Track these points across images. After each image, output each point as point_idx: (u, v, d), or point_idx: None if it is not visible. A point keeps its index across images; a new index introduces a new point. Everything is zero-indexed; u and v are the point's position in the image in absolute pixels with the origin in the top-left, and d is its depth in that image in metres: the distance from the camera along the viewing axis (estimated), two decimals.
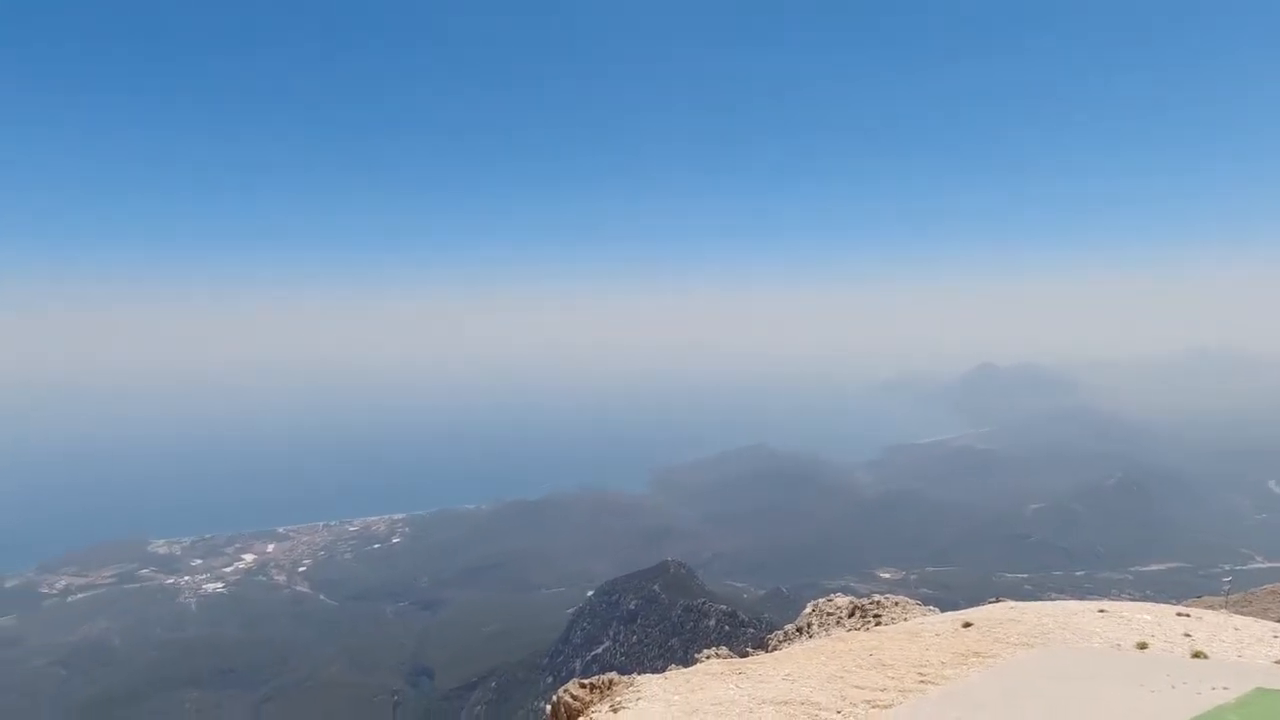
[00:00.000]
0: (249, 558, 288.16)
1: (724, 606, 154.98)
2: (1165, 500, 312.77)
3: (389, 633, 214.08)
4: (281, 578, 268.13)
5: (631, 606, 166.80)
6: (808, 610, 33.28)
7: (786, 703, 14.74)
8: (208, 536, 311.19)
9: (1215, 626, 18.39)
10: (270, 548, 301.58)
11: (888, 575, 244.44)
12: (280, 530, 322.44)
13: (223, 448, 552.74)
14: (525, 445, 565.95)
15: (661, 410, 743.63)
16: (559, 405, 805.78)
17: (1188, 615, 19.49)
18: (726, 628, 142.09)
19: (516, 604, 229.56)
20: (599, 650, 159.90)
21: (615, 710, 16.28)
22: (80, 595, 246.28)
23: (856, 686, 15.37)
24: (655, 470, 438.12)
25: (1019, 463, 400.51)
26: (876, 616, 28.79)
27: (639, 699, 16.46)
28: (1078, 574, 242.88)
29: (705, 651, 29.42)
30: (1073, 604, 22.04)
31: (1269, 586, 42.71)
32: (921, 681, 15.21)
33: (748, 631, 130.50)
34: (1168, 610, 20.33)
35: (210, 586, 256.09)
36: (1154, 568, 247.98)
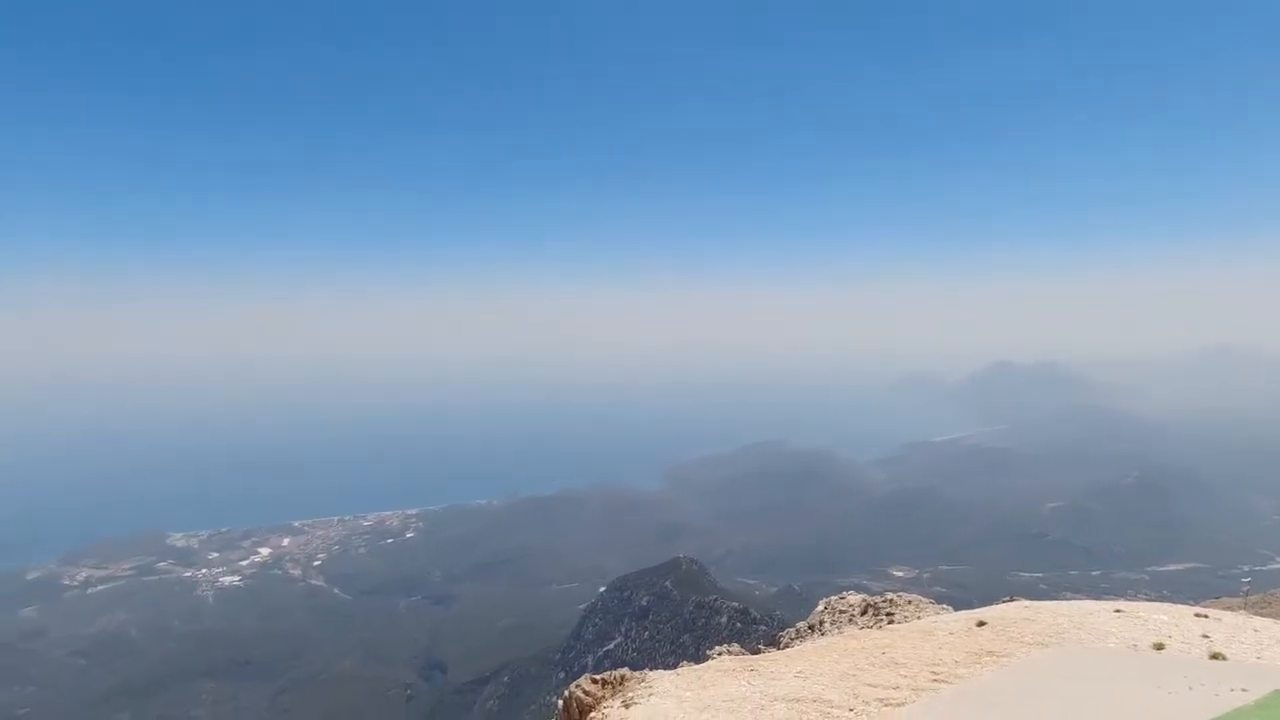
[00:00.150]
0: (265, 551, 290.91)
1: (736, 603, 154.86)
2: (1183, 500, 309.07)
3: (402, 627, 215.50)
4: (296, 571, 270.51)
5: (643, 603, 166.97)
6: (820, 608, 33.18)
7: (798, 700, 14.72)
8: (224, 530, 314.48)
9: (1234, 628, 18.16)
10: (285, 542, 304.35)
11: (901, 573, 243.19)
12: (295, 524, 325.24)
13: (239, 443, 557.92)
14: (538, 441, 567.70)
15: (675, 407, 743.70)
16: (572, 402, 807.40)
17: (1206, 616, 19.25)
18: (738, 625, 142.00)
19: (529, 599, 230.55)
20: (611, 646, 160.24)
21: (627, 706, 16.31)
22: (100, 587, 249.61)
23: (869, 684, 15.32)
24: (668, 467, 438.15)
25: (1034, 461, 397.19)
26: (889, 615, 28.67)
27: (651, 695, 16.49)
28: (1093, 574, 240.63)
29: (717, 648, 29.44)
30: (1088, 604, 21.83)
31: None
32: (935, 680, 15.14)
33: (759, 629, 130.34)
34: (1185, 611, 20.09)
35: (227, 580, 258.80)
36: (1171, 568, 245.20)
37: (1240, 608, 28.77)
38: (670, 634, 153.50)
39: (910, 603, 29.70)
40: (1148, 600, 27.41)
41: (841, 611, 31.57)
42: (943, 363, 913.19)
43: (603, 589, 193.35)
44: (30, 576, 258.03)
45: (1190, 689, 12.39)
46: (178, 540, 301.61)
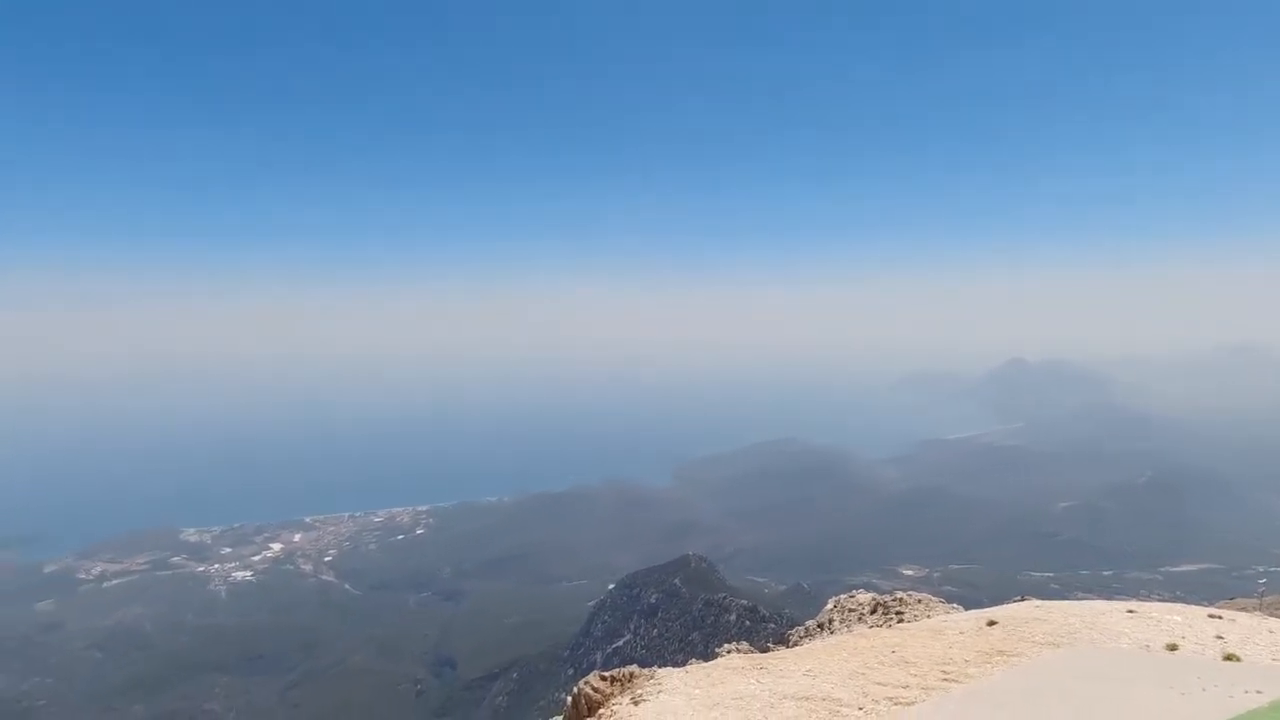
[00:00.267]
0: (277, 547, 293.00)
1: (745, 601, 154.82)
2: (1197, 499, 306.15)
3: (412, 622, 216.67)
4: (308, 567, 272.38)
5: (652, 600, 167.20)
6: (829, 606, 33.09)
7: (808, 698, 14.69)
8: (237, 526, 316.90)
9: (1249, 629, 17.96)
10: (297, 537, 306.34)
11: (911, 572, 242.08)
12: (307, 520, 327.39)
13: (251, 440, 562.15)
14: (548, 439, 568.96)
15: (685, 405, 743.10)
16: (582, 400, 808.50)
17: (1220, 617, 19.05)
18: (747, 623, 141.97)
19: (538, 596, 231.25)
20: (620, 643, 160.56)
21: (636, 703, 16.32)
22: (115, 581, 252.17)
23: (878, 683, 15.26)
24: (678, 464, 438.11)
25: (1048, 460, 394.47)
26: (899, 614, 28.55)
27: (660, 692, 16.49)
28: (1106, 574, 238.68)
29: (726, 646, 29.42)
30: (1100, 604, 21.66)
31: None
32: (945, 679, 15.07)
33: (769, 627, 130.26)
34: (1199, 612, 19.87)
35: (239, 574, 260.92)
36: (1185, 568, 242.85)
37: (1255, 609, 28.45)
38: (679, 631, 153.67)
39: (920, 601, 29.58)
40: (1161, 601, 27.18)
41: (851, 610, 31.47)
42: (955, 360, 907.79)
43: (612, 586, 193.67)
44: (47, 570, 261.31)
45: (1204, 690, 12.25)
46: (191, 535, 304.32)
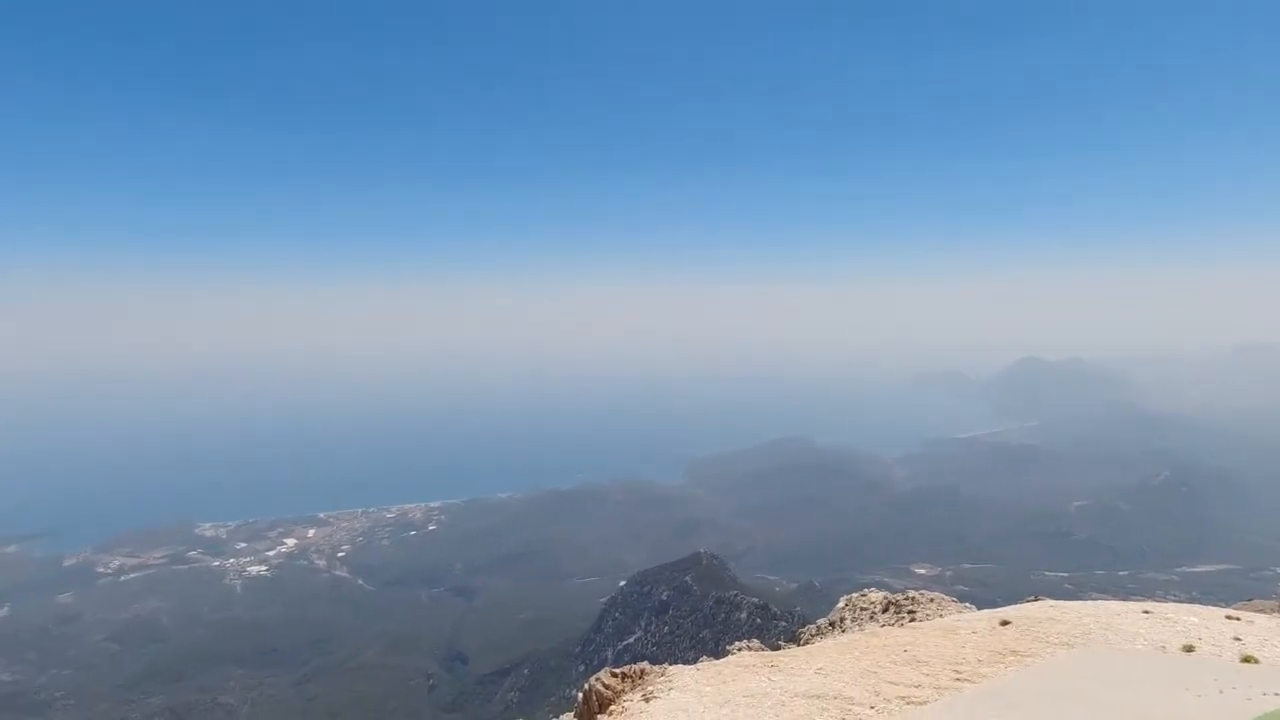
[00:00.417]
0: (291, 542, 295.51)
1: (756, 599, 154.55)
2: (1215, 499, 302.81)
3: (425, 617, 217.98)
4: (321, 562, 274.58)
5: (663, 597, 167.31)
6: (841, 605, 32.99)
7: (819, 697, 14.66)
8: (252, 521, 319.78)
9: (1267, 631, 17.73)
10: (311, 533, 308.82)
11: (923, 571, 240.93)
12: (320, 516, 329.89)
13: (266, 436, 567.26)
14: (560, 436, 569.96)
15: (697, 402, 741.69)
16: (595, 396, 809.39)
17: (1237, 618, 18.82)
18: (758, 620, 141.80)
19: (549, 592, 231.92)
20: (630, 640, 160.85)
21: (647, 700, 16.35)
22: (133, 575, 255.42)
23: (890, 682, 15.21)
24: (690, 462, 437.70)
25: (1062, 459, 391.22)
26: (911, 613, 28.44)
27: (671, 689, 16.51)
28: (1121, 574, 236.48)
29: (737, 644, 29.44)
30: (1115, 604, 21.45)
31: None
32: (957, 679, 14.99)
33: (780, 625, 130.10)
34: (1216, 613, 19.64)
35: (254, 569, 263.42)
36: (1202, 569, 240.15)
37: (1273, 610, 28.08)
38: (690, 629, 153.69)
39: (933, 600, 29.44)
40: (1177, 602, 26.90)
41: (863, 609, 31.37)
42: (969, 359, 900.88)
43: (623, 583, 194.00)
44: (67, 563, 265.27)
45: (1221, 693, 12.09)
46: (207, 530, 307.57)
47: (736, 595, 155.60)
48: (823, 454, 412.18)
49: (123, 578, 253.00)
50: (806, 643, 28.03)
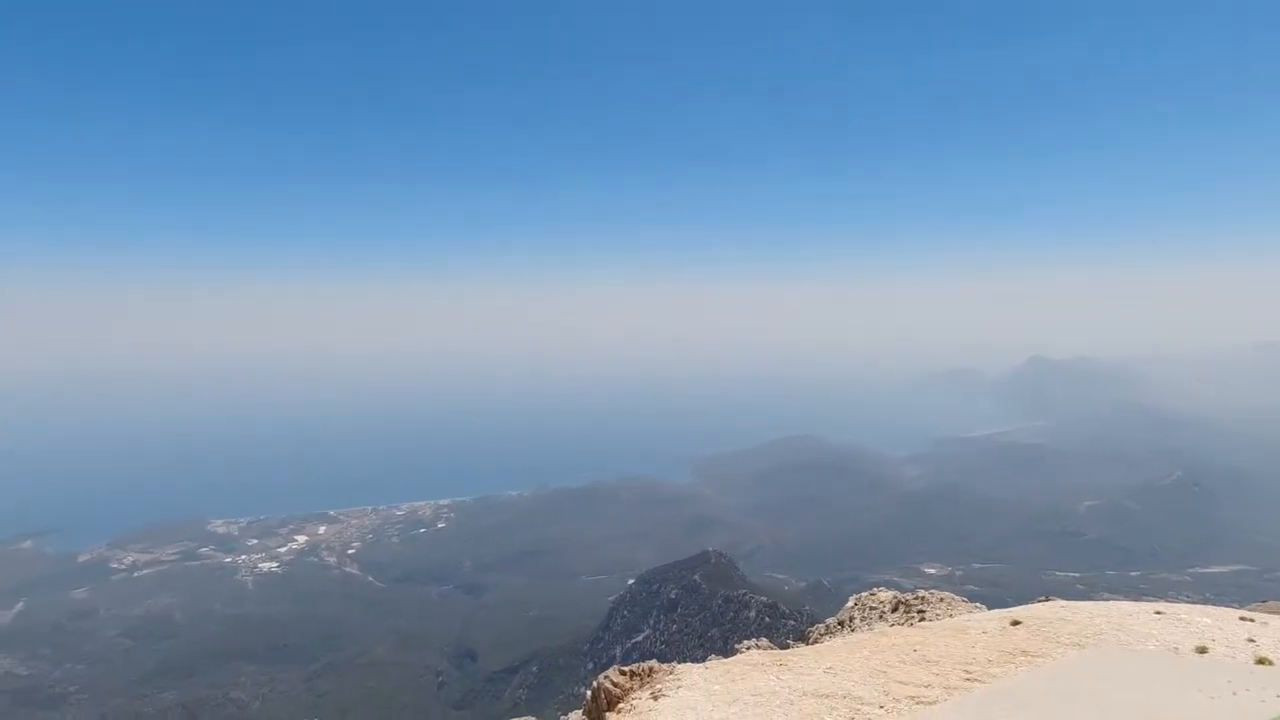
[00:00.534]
0: (301, 539, 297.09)
1: (765, 598, 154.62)
2: (1228, 499, 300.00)
3: (434, 615, 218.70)
4: (332, 559, 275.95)
5: (672, 596, 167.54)
6: (850, 604, 32.94)
7: (828, 696, 14.66)
8: (263, 518, 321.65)
9: None
10: (321, 530, 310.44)
11: (933, 570, 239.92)
12: (331, 513, 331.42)
13: (277, 434, 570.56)
14: (569, 434, 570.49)
15: (706, 401, 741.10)
16: (597, 396, 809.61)
17: (1251, 620, 18.68)
18: (767, 619, 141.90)
19: (558, 590, 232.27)
20: (639, 638, 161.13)
21: (656, 698, 16.37)
22: (146, 571, 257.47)
23: (900, 682, 15.19)
24: (698, 460, 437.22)
25: (1072, 458, 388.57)
26: (921, 612, 28.36)
27: (679, 687, 16.53)
28: (1133, 574, 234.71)
29: (745, 642, 29.45)
30: (1127, 605, 21.34)
31: None
32: (967, 679, 14.96)
33: (788, 623, 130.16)
34: (1229, 614, 19.50)
35: (265, 566, 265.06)
36: (1215, 569, 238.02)
37: None
38: (698, 627, 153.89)
39: (942, 600, 29.35)
40: (1190, 602, 26.72)
41: (872, 608, 31.31)
42: (977, 358, 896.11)
43: (632, 581, 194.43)
44: (81, 559, 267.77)
45: (1235, 694, 12.02)
46: (219, 527, 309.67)
47: (745, 594, 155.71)
48: (831, 453, 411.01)
49: (136, 574, 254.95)
50: (815, 642, 28.01)
